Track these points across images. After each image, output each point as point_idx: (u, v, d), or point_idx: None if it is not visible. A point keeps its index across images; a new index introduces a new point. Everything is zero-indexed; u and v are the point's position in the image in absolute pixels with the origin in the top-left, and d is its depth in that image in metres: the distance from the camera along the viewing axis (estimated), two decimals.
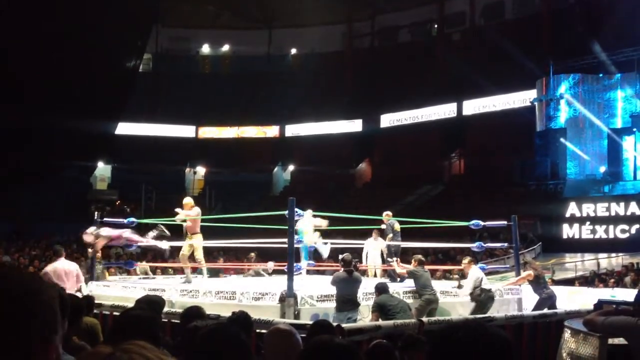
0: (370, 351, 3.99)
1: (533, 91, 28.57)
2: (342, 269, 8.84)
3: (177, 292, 9.71)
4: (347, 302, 8.43)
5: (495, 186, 28.72)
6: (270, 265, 13.68)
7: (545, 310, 9.57)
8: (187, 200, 11.31)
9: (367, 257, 12.72)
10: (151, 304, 4.77)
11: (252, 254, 15.26)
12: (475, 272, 10.16)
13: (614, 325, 4.21)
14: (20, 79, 25.36)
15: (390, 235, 11.78)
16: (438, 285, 11.74)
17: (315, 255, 12.57)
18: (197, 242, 10.92)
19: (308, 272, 12.45)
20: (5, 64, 25.00)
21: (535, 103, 27.99)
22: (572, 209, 24.22)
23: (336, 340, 1.90)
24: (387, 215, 12.12)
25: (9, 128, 25.36)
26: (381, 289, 8.77)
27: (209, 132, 40.65)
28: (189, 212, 10.98)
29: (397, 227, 11.97)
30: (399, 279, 11.49)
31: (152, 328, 3.00)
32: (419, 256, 10.51)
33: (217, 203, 35.10)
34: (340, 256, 9.38)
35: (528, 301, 10.82)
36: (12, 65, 25.16)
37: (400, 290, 9.86)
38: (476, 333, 1.53)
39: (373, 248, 12.52)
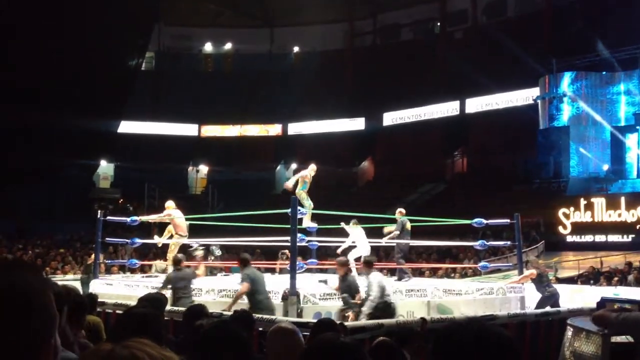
0: (374, 349, 3.99)
1: (536, 89, 28.52)
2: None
3: None
4: (179, 298, 8.78)
5: (498, 184, 28.68)
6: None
7: (548, 309, 9.56)
8: (167, 204, 11.94)
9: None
10: (153, 302, 4.78)
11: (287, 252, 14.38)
12: (377, 277, 8.85)
13: (629, 321, 4.17)
14: (22, 78, 25.39)
15: (397, 232, 11.63)
16: (441, 283, 11.75)
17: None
18: (174, 241, 11.43)
19: (310, 270, 12.42)
20: (6, 63, 25.04)
21: (538, 101, 27.95)
22: (574, 206, 24.17)
23: (341, 338, 1.90)
24: (399, 213, 11.91)
25: (11, 127, 25.40)
26: (244, 260, 8.96)
27: (211, 130, 40.66)
28: (161, 215, 12.02)
29: (408, 225, 11.79)
30: (406, 277, 11.45)
31: (155, 326, 3.00)
32: (369, 258, 9.60)
33: (219, 201, 35.13)
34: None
35: (531, 300, 10.81)
36: (13, 65, 25.20)
37: (404, 288, 9.85)
38: (480, 332, 1.52)
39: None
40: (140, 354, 1.04)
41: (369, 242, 11.73)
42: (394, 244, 12.04)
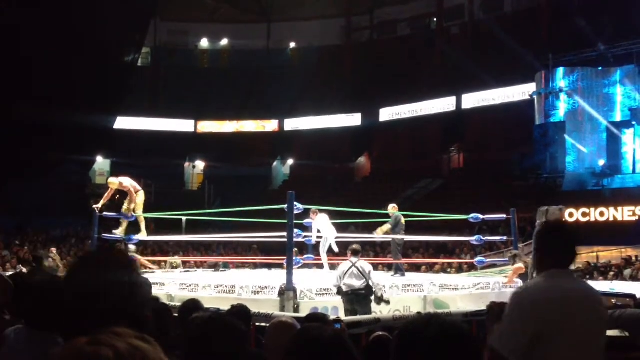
0: (370, 344, 4.00)
1: (532, 84, 28.54)
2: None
3: (176, 286, 9.75)
4: None
5: (495, 180, 28.72)
6: None
7: None
8: (111, 181, 11.81)
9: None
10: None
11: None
12: (342, 265, 8.91)
13: (627, 319, 4.17)
14: (18, 75, 25.32)
15: (390, 226, 11.63)
16: (437, 278, 11.78)
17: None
18: (139, 200, 11.55)
19: (307, 265, 12.42)
20: (4, 59, 24.96)
21: (535, 96, 27.97)
22: (570, 202, 24.21)
23: (324, 329, 1.90)
24: (393, 208, 11.90)
25: (7, 123, 25.34)
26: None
27: (208, 126, 40.61)
28: (135, 192, 11.59)
29: (403, 220, 11.77)
30: (399, 274, 11.49)
31: (164, 319, 3.01)
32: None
33: (216, 197, 35.12)
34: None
35: None
36: (9, 62, 25.11)
37: (400, 284, 9.86)
38: (442, 328, 1.51)
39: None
40: (105, 351, 1.02)
41: (369, 238, 11.76)
42: (390, 239, 12.06)
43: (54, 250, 12.01)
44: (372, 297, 8.57)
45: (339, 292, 8.58)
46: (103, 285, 1.35)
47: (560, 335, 2.80)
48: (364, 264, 8.82)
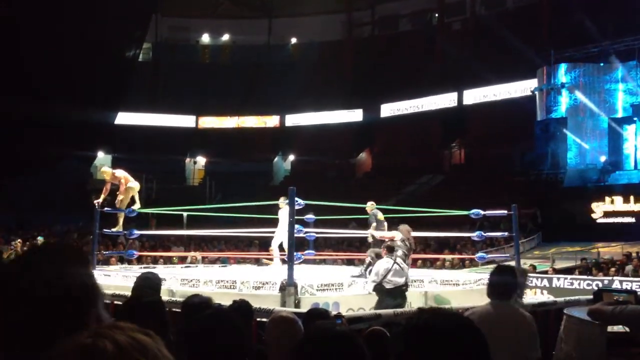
0: (366, 338, 4.02)
1: (534, 80, 28.52)
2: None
3: (177, 281, 9.75)
4: None
5: (496, 176, 28.71)
6: None
7: (545, 299, 9.60)
8: (104, 170, 11.82)
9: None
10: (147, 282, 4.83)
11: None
12: (382, 263, 9.17)
13: (628, 315, 4.20)
14: (20, 70, 25.32)
15: (374, 224, 11.65)
16: (438, 274, 11.78)
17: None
18: (133, 187, 11.60)
19: (307, 261, 12.40)
20: (4, 55, 24.96)
21: (536, 92, 27.95)
22: (572, 198, 24.21)
23: (337, 327, 1.90)
24: (371, 205, 11.97)
25: (9, 118, 25.35)
26: None
27: (209, 121, 40.62)
28: (125, 184, 11.55)
29: (381, 216, 11.82)
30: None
31: (160, 314, 3.01)
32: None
33: (217, 193, 35.13)
34: None
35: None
36: (12, 56, 25.11)
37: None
38: (459, 323, 1.50)
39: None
40: (105, 344, 1.02)
41: (367, 235, 11.71)
42: (367, 235, 11.99)
43: (18, 243, 12.32)
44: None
45: (376, 288, 8.85)
46: (45, 281, 1.23)
47: (495, 349, 3.53)
48: (400, 261, 9.20)
